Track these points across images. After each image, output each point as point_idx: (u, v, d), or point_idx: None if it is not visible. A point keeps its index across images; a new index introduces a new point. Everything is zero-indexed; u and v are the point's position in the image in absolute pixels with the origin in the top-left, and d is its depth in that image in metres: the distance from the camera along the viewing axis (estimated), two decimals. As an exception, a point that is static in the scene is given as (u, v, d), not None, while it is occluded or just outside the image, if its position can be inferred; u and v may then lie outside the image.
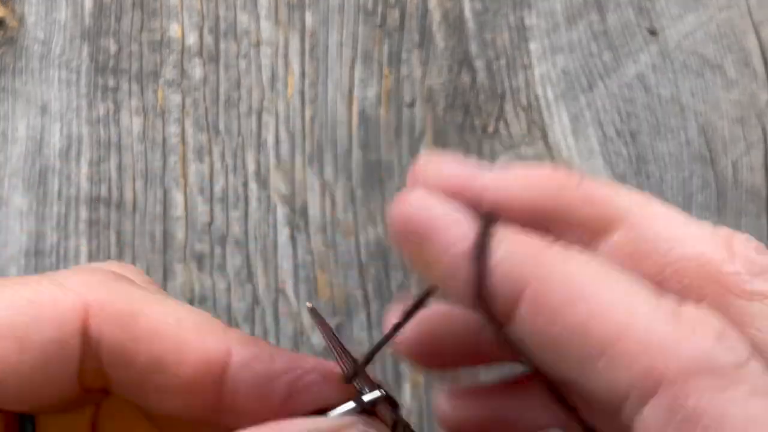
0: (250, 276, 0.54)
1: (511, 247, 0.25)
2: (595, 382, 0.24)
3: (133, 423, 0.32)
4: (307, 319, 0.53)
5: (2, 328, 0.27)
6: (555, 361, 0.25)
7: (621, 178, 0.56)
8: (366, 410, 0.29)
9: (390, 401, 0.29)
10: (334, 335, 0.31)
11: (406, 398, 0.54)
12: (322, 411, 0.29)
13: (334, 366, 0.30)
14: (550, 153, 0.57)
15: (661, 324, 0.23)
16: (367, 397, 0.29)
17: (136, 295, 0.29)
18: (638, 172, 0.56)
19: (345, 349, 0.30)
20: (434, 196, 0.26)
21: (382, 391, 0.29)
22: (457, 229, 0.25)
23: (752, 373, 0.23)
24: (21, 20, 0.58)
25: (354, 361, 0.30)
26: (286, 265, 0.54)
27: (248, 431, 0.27)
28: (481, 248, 0.25)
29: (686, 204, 0.56)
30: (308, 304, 0.31)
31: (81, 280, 0.29)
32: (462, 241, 0.25)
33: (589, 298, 0.24)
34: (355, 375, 0.29)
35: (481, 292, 0.25)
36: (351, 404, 0.29)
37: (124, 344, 0.28)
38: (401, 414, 0.29)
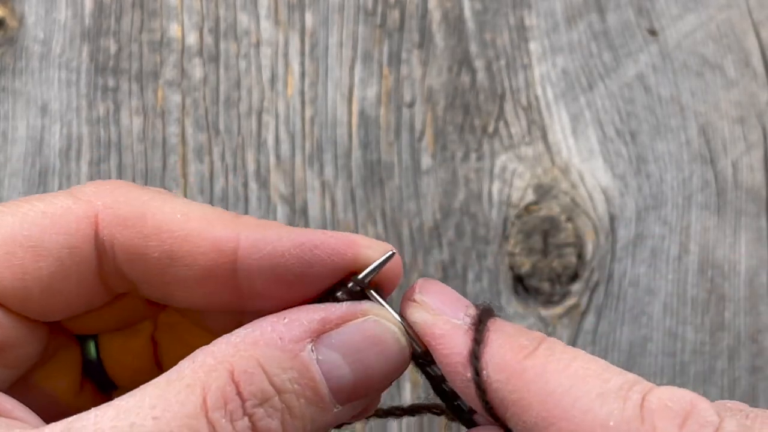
0: (250, 276, 0.54)
1: (496, 367, 0.28)
2: None
3: (190, 334, 0.33)
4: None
5: (18, 238, 0.29)
6: None
7: (621, 178, 0.56)
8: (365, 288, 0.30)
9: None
10: None
11: (407, 397, 0.54)
12: (334, 291, 0.30)
13: (341, 240, 0.30)
14: (549, 153, 0.57)
15: None
16: (362, 274, 0.30)
17: (143, 197, 0.30)
18: (638, 172, 0.56)
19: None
20: (434, 303, 0.29)
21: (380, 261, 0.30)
22: (451, 340, 0.29)
23: None
24: (21, 20, 0.58)
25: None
26: (286, 265, 0.54)
27: (261, 320, 0.28)
28: (475, 357, 0.28)
29: (686, 204, 0.56)
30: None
31: (92, 190, 0.30)
32: (456, 354, 0.28)
33: (566, 419, 0.26)
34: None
35: (478, 392, 0.28)
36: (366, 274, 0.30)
37: (134, 243, 0.29)
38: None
